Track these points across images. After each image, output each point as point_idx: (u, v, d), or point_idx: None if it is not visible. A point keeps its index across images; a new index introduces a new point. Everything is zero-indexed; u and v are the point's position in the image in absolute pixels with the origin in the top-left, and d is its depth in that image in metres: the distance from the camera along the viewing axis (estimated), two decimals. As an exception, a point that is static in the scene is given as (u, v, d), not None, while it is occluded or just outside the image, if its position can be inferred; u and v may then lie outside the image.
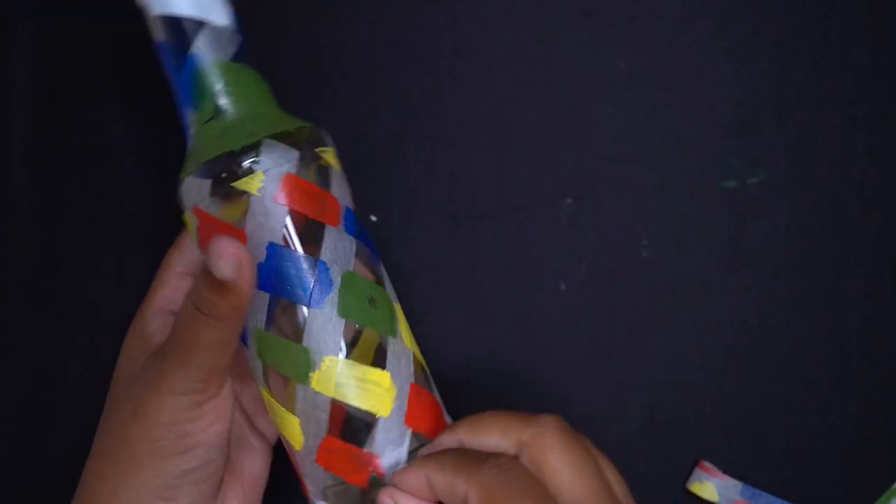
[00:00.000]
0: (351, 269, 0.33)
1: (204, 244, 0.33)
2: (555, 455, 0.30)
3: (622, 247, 0.43)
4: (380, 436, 0.33)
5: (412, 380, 0.34)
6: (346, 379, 0.33)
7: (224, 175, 0.32)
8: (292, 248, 0.33)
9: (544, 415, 0.32)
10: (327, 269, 0.33)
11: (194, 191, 0.33)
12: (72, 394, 0.45)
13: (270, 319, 0.33)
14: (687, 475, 0.43)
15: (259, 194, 0.32)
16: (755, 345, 0.43)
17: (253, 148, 0.32)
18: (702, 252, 0.43)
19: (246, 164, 0.32)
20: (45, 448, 0.45)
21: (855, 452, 0.43)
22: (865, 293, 0.43)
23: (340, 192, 0.34)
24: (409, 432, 0.34)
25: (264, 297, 0.33)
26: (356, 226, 0.35)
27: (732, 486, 0.43)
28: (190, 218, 0.34)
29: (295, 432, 0.34)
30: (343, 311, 0.33)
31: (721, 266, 0.43)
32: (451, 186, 0.43)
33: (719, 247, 0.43)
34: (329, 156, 0.35)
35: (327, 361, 0.33)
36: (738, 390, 0.43)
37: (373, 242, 0.36)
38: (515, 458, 0.31)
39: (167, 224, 0.40)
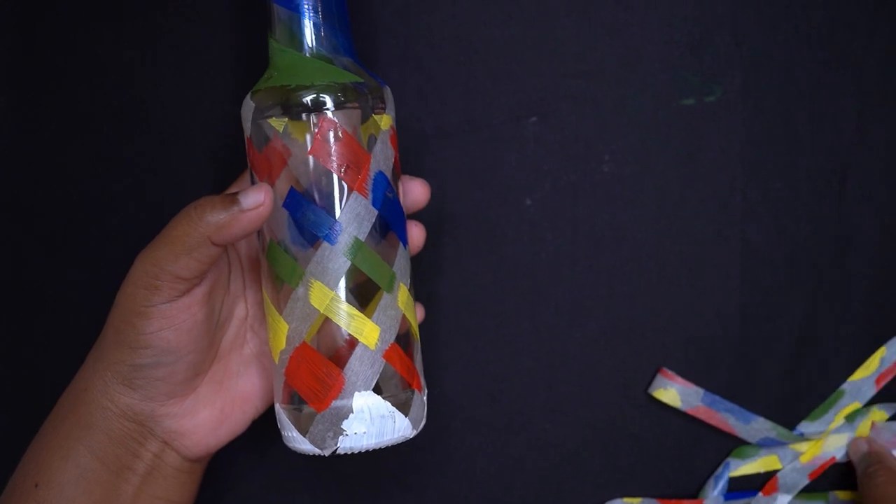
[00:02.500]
0: (363, 237, 0.35)
1: (251, 157, 0.36)
2: None
3: (584, 163, 0.44)
4: (353, 363, 0.34)
5: (393, 341, 0.35)
6: (336, 306, 0.34)
7: (266, 112, 0.35)
8: (315, 199, 0.34)
9: None
10: (341, 228, 0.34)
11: (246, 110, 0.36)
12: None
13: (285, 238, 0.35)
14: (648, 382, 0.45)
15: (301, 140, 0.34)
16: (710, 254, 0.45)
17: (315, 91, 0.34)
18: (661, 167, 0.44)
19: (301, 104, 0.34)
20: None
21: (804, 356, 0.45)
22: (814, 203, 0.45)
23: (381, 158, 0.35)
24: (377, 377, 0.35)
25: (284, 217, 0.35)
26: (385, 196, 0.36)
27: (694, 392, 0.45)
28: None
29: (280, 338, 0.35)
30: (349, 256, 0.35)
31: (679, 180, 0.44)
32: (420, 106, 0.44)
33: (678, 161, 0.44)
34: (384, 120, 0.36)
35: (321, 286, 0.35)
36: (694, 298, 0.45)
37: (402, 216, 0.37)
38: None
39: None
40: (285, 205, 0.35)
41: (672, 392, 0.45)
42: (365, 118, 0.35)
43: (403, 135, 0.44)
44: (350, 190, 0.34)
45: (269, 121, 0.34)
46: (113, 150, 0.44)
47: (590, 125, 0.44)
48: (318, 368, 0.34)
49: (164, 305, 0.34)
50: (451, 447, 0.45)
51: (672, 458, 0.46)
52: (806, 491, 0.46)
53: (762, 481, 0.46)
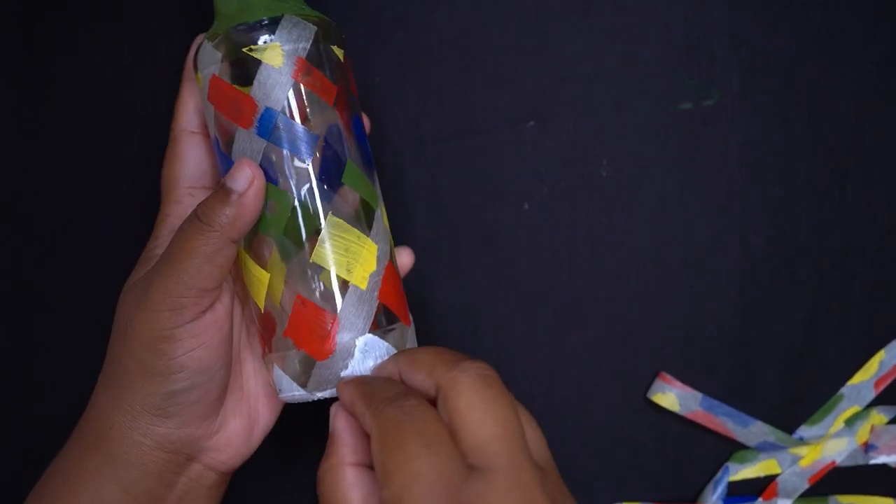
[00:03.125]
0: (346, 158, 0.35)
1: (216, 104, 0.35)
2: (464, 399, 0.29)
3: (582, 166, 0.44)
4: (348, 305, 0.34)
5: (388, 260, 0.36)
6: (332, 235, 0.34)
7: (241, 44, 0.34)
8: (293, 118, 0.34)
9: (470, 360, 0.30)
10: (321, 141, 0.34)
11: (208, 56, 0.35)
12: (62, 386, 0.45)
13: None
14: (646, 386, 0.45)
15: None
16: (709, 258, 0.45)
17: (274, 22, 0.34)
18: (659, 171, 0.44)
19: (263, 37, 0.34)
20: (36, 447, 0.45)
21: (803, 360, 0.45)
22: (814, 208, 0.45)
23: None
24: (375, 311, 0.35)
25: (261, 145, 0.34)
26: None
27: (692, 396, 0.45)
28: (203, 80, 0.35)
29: (261, 290, 0.35)
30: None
31: (677, 184, 0.44)
32: (418, 110, 0.44)
33: (675, 166, 0.44)
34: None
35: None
36: (693, 302, 0.45)
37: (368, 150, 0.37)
38: (424, 400, 0.30)
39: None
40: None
41: (671, 396, 0.44)
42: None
43: (401, 139, 0.44)
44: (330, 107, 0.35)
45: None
46: (111, 152, 0.44)
47: (587, 129, 0.44)
48: (314, 315, 0.34)
49: (190, 325, 0.33)
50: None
51: (671, 463, 0.46)
52: (806, 495, 0.46)
53: (762, 486, 0.46)
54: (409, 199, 0.44)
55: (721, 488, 0.45)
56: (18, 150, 0.44)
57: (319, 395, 0.34)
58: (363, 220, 0.35)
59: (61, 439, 0.37)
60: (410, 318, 0.37)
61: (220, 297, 0.34)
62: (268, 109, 0.34)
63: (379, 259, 0.35)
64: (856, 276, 0.45)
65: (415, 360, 0.31)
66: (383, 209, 0.37)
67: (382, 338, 0.35)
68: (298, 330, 0.34)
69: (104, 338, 0.37)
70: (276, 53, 0.34)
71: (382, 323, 0.35)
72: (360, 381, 0.32)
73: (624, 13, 0.44)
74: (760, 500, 0.46)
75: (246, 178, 0.33)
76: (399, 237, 0.44)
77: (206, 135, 0.37)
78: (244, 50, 0.34)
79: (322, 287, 0.34)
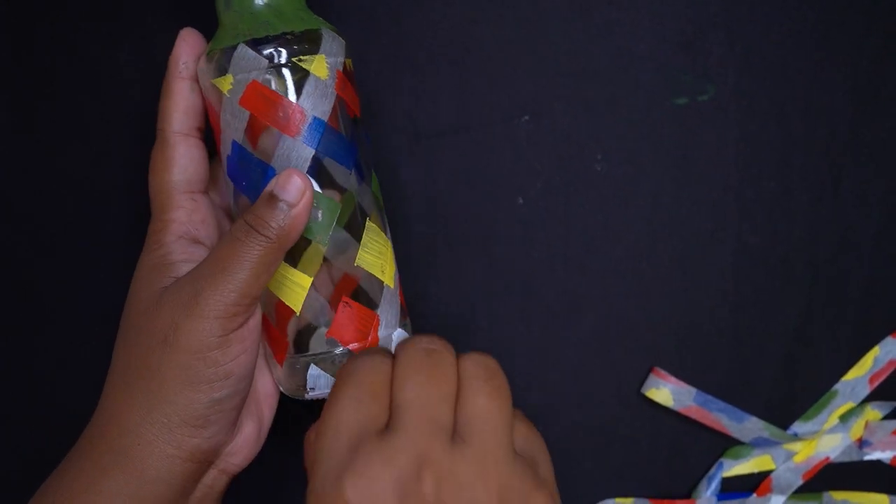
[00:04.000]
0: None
1: (253, 109, 0.35)
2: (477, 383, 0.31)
3: (577, 162, 0.44)
4: (384, 304, 0.37)
5: (396, 272, 0.38)
6: (372, 240, 0.36)
7: (290, 54, 0.35)
8: (338, 129, 0.35)
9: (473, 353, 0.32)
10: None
11: (250, 61, 0.35)
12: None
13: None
14: (641, 381, 0.45)
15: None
16: (704, 255, 0.45)
17: (316, 35, 0.35)
18: (654, 166, 0.44)
19: (308, 48, 0.35)
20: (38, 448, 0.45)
21: (797, 357, 0.45)
22: (809, 204, 0.45)
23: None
24: (399, 306, 0.38)
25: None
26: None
27: (686, 391, 0.45)
28: (237, 84, 0.35)
29: (300, 294, 0.36)
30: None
31: (672, 180, 0.44)
32: (413, 105, 0.44)
33: (671, 161, 0.44)
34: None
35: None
36: (688, 298, 0.45)
37: (351, 150, 0.37)
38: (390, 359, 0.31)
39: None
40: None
41: (665, 391, 0.44)
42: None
43: (396, 134, 0.44)
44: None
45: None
46: (111, 152, 0.44)
47: (582, 124, 0.44)
48: (359, 314, 0.36)
49: (239, 331, 0.33)
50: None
51: (665, 458, 0.46)
52: (800, 492, 0.46)
53: (756, 482, 0.46)
54: (403, 194, 0.44)
55: (715, 484, 0.45)
56: (18, 151, 0.44)
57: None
58: (382, 222, 0.37)
59: (61, 440, 0.36)
60: None
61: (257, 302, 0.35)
62: (316, 119, 0.35)
63: (395, 257, 0.38)
64: (851, 273, 0.45)
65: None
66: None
67: (405, 330, 0.38)
68: (344, 329, 0.36)
69: (104, 338, 0.37)
70: (322, 66, 0.35)
71: (401, 317, 0.38)
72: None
73: (619, 8, 0.44)
74: (754, 496, 0.46)
75: (298, 189, 0.33)
76: (394, 232, 0.44)
77: (200, 138, 0.37)
78: (294, 59, 0.34)
79: (364, 288, 0.36)
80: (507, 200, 0.44)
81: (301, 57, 0.34)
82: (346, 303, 0.36)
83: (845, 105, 0.44)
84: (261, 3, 0.35)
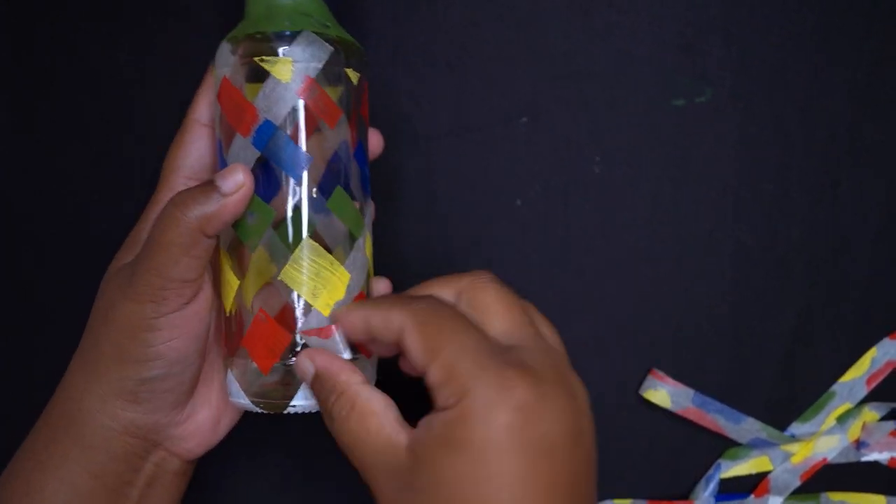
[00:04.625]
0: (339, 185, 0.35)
1: (223, 105, 0.34)
2: (489, 294, 0.32)
3: (575, 164, 0.44)
4: (306, 326, 0.34)
5: (361, 290, 0.35)
6: (305, 258, 0.34)
7: (255, 53, 0.34)
8: (290, 135, 0.34)
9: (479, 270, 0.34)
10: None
11: (224, 57, 0.34)
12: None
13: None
14: (639, 383, 0.45)
15: (280, 79, 0.34)
16: (703, 255, 0.45)
17: (292, 37, 0.34)
18: (652, 168, 0.44)
19: (279, 49, 0.34)
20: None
21: (795, 358, 0.45)
22: (807, 206, 0.45)
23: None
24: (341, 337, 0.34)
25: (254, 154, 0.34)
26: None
27: (684, 393, 0.45)
28: (216, 79, 0.35)
29: (230, 295, 0.35)
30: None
31: (670, 181, 0.44)
32: (411, 108, 0.44)
33: (669, 163, 0.44)
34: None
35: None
36: (686, 299, 0.45)
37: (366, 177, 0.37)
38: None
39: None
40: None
41: (662, 393, 0.45)
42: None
43: (395, 136, 0.44)
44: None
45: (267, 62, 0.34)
46: (111, 151, 0.44)
47: (581, 126, 0.44)
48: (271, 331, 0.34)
49: (172, 315, 0.33)
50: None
51: (662, 459, 0.46)
52: (797, 492, 0.46)
53: (754, 483, 0.46)
54: (402, 196, 0.44)
55: (713, 485, 0.45)
56: (18, 151, 0.44)
57: (260, 409, 0.34)
58: (346, 249, 0.35)
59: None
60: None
61: (203, 288, 0.35)
62: (267, 122, 0.33)
63: (349, 289, 0.34)
64: (849, 274, 0.45)
65: (424, 284, 0.34)
66: (368, 239, 0.36)
67: (359, 365, 0.34)
68: (254, 342, 0.34)
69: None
70: (286, 68, 0.33)
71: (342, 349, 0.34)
72: (371, 300, 0.34)
73: (618, 11, 0.44)
74: (752, 497, 0.46)
75: (235, 182, 0.33)
76: (392, 235, 0.44)
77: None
78: (255, 59, 0.34)
79: (285, 306, 0.34)
80: (506, 202, 0.44)
81: (264, 57, 0.34)
82: (263, 316, 0.34)
83: (844, 107, 0.44)
84: (265, 1, 0.35)
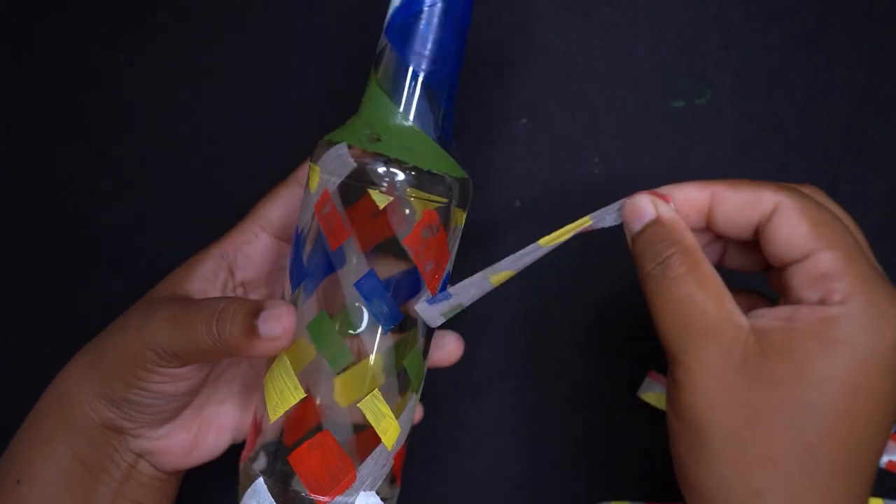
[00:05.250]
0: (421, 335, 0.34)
1: (317, 210, 0.33)
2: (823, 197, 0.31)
3: (575, 164, 0.44)
4: (369, 462, 0.33)
5: (404, 441, 0.35)
6: (368, 402, 0.33)
7: (314, 156, 0.33)
8: (298, 244, 0.33)
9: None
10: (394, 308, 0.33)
11: (333, 163, 0.33)
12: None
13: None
14: (636, 384, 0.45)
15: (309, 188, 0.33)
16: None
17: (328, 147, 0.33)
18: (652, 169, 0.44)
19: (318, 157, 0.33)
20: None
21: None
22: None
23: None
24: (387, 478, 0.34)
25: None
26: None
27: (681, 394, 0.45)
28: (313, 179, 0.34)
29: (282, 406, 0.33)
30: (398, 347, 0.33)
31: (669, 182, 0.44)
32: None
33: (668, 164, 0.44)
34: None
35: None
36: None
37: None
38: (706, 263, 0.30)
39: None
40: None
41: (660, 394, 0.45)
42: (451, 214, 0.33)
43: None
44: (425, 287, 0.33)
45: (372, 192, 0.32)
46: (109, 152, 0.44)
47: (580, 127, 0.44)
48: (333, 460, 0.32)
49: (168, 369, 0.34)
50: (438, 449, 0.45)
51: (660, 461, 0.46)
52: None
53: (752, 484, 0.46)
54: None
55: (711, 486, 0.45)
56: (18, 151, 0.44)
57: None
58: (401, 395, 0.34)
59: None
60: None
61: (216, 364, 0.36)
62: (296, 226, 0.34)
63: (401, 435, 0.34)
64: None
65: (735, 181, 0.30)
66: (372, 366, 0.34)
67: (383, 500, 0.34)
68: (310, 465, 0.32)
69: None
70: (314, 177, 0.33)
71: (384, 486, 0.34)
72: (714, 181, 0.31)
73: (617, 10, 0.44)
74: (750, 498, 0.46)
75: (274, 331, 0.32)
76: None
77: None
78: (311, 162, 0.33)
79: (359, 437, 0.33)
80: (505, 203, 0.44)
81: (311, 163, 0.33)
82: (325, 439, 0.32)
83: (843, 107, 0.44)
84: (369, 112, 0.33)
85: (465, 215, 0.35)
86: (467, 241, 0.44)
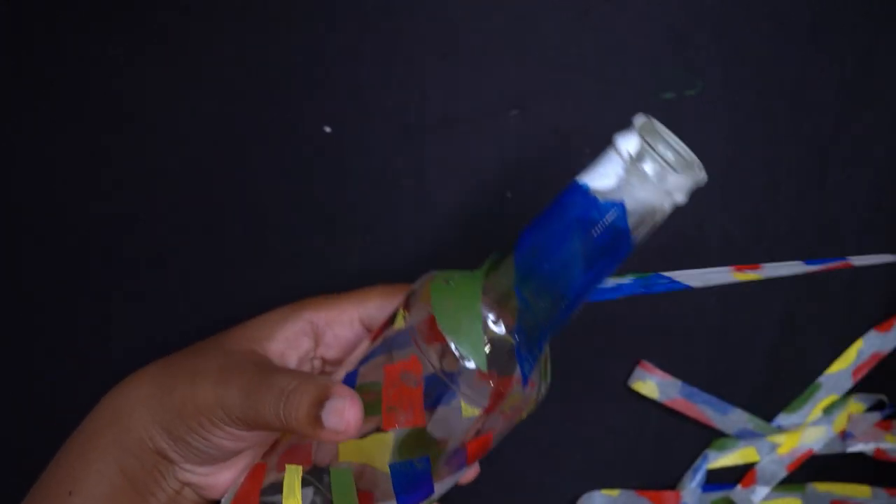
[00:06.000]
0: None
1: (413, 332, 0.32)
2: None
3: (565, 155, 0.44)
4: None
5: None
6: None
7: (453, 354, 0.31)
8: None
9: None
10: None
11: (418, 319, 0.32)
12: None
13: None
14: (627, 374, 0.45)
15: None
16: (690, 248, 0.45)
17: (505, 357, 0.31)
18: (641, 160, 0.44)
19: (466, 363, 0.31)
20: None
21: (782, 350, 0.46)
22: (795, 197, 0.45)
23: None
24: None
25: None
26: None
27: (672, 384, 0.45)
28: (399, 320, 0.33)
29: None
30: None
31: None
32: (401, 99, 0.44)
33: (658, 155, 0.44)
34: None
35: None
36: (675, 292, 0.45)
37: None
38: None
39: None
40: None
41: (650, 384, 0.45)
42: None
43: (385, 128, 0.44)
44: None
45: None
46: (109, 152, 0.44)
47: (570, 118, 0.44)
48: None
49: (239, 431, 0.34)
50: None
51: (650, 450, 0.46)
52: (784, 483, 0.46)
53: (741, 473, 0.46)
54: (392, 188, 0.44)
55: (700, 475, 0.45)
56: (18, 151, 0.44)
57: None
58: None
59: (60, 440, 0.37)
60: None
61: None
62: (378, 344, 0.34)
63: None
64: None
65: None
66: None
67: None
68: None
69: (104, 338, 0.37)
70: (399, 320, 0.33)
71: None
72: None
73: (608, 2, 0.44)
74: (739, 487, 0.46)
75: (337, 425, 0.31)
76: (382, 226, 0.44)
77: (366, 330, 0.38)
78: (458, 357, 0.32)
79: None
80: (496, 194, 0.44)
81: (402, 310, 0.33)
82: None
83: (833, 99, 0.44)
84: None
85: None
86: (458, 230, 0.45)
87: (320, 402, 0.31)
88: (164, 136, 0.44)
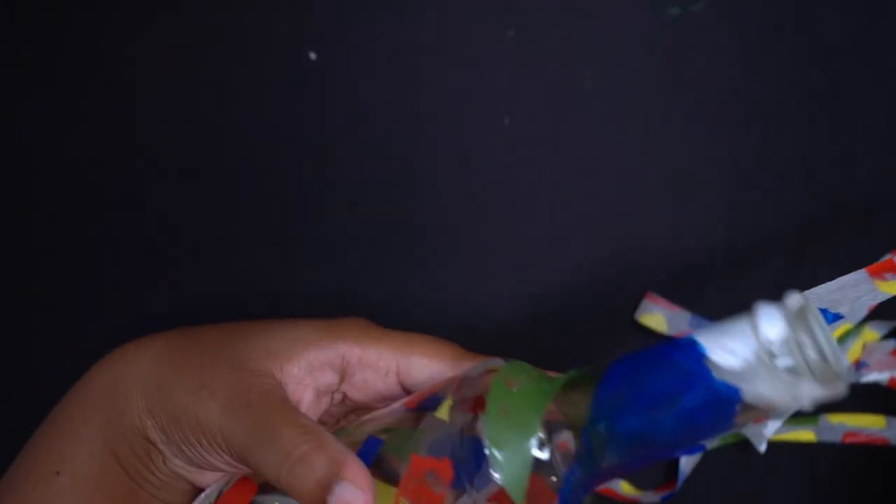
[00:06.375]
0: None
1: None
2: None
3: (565, 78, 0.43)
4: None
5: None
6: None
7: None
8: None
9: None
10: None
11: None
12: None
13: None
14: (633, 308, 0.44)
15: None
16: (697, 173, 0.43)
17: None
18: (645, 81, 0.43)
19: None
20: None
21: (792, 276, 0.44)
22: (806, 116, 0.43)
23: None
24: None
25: None
26: None
27: (681, 316, 0.44)
28: (442, 408, 0.31)
29: None
30: None
31: (663, 94, 0.43)
32: (392, 21, 0.42)
33: (663, 76, 0.43)
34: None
35: None
36: (681, 221, 0.44)
37: None
38: None
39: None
40: None
41: (658, 317, 0.44)
42: None
43: (377, 52, 0.42)
44: None
45: None
46: (109, 152, 0.43)
47: (569, 39, 0.42)
48: None
49: (234, 461, 0.32)
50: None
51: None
52: (796, 415, 0.45)
53: (751, 407, 0.46)
54: (385, 115, 0.42)
55: (710, 410, 0.44)
56: (18, 150, 0.44)
57: None
58: None
59: None
60: None
61: None
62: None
63: None
64: (850, 187, 0.44)
65: None
66: None
67: None
68: None
69: (103, 338, 0.36)
70: (443, 410, 0.30)
71: None
72: None
73: (607, -88, 0.42)
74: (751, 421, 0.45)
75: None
76: (374, 156, 0.43)
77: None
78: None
79: None
80: (493, 120, 0.43)
81: (450, 395, 0.31)
82: None
83: (846, 12, 0.42)
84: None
85: None
86: (453, 159, 0.43)
87: (328, 484, 0.28)
88: (167, 138, 0.44)
